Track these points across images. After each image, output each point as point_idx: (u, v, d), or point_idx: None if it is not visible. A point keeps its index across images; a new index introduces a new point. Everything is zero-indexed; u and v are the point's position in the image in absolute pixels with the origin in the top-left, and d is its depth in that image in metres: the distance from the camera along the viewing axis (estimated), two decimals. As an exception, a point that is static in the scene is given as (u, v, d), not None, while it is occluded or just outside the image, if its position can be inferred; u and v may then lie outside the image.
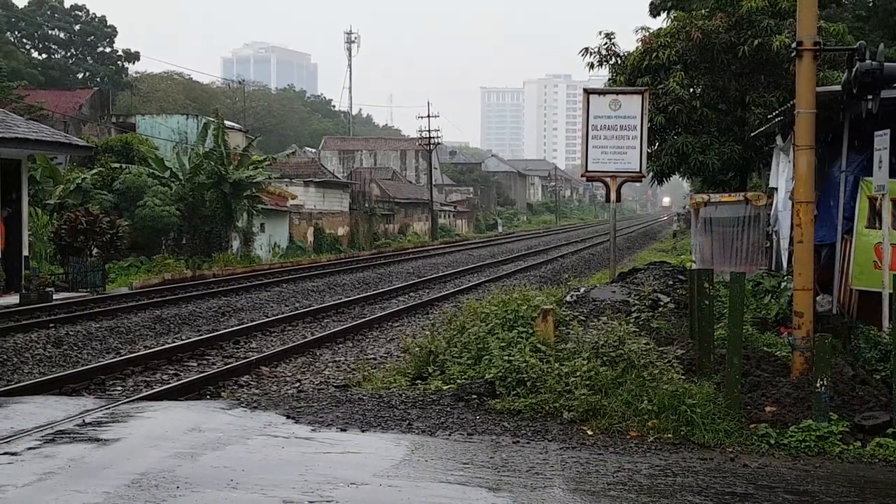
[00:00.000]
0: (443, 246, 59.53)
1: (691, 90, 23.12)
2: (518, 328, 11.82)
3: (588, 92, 18.07)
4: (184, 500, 6.85)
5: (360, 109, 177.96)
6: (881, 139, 11.27)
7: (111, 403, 10.78)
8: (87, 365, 15.19)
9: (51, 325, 18.94)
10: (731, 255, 17.94)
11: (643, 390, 9.43)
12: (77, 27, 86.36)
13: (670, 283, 16.13)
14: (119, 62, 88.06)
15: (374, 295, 26.76)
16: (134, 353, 16.51)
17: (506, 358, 10.65)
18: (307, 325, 20.86)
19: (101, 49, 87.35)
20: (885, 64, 10.15)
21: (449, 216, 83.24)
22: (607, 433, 9.04)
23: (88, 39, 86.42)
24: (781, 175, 16.22)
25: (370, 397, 10.70)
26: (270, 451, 8.32)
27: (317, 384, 13.87)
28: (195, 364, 15.86)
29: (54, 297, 22.84)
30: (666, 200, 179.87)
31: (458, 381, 10.95)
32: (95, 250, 27.92)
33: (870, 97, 10.23)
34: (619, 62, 24.19)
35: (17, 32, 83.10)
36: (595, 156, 17.66)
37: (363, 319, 21.04)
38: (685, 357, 10.43)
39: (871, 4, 31.98)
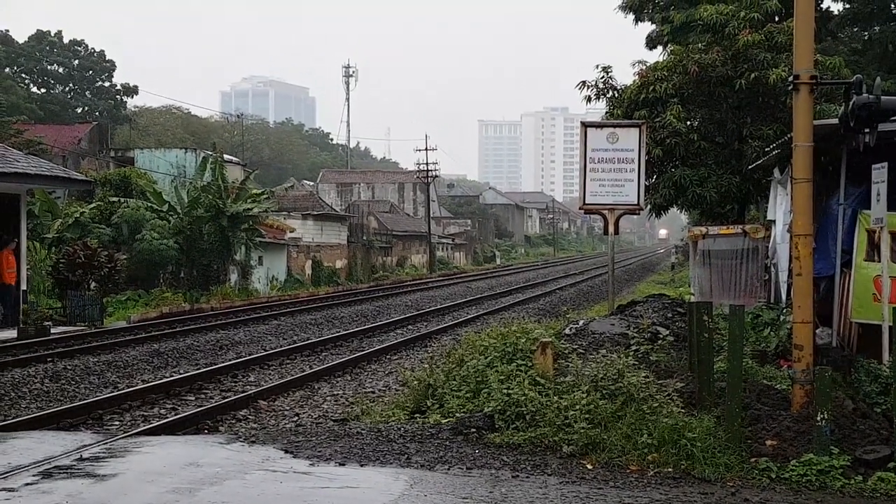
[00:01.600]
0: (441, 278, 59.52)
1: (688, 123, 23.20)
2: (517, 361, 11.79)
3: (585, 125, 18.11)
4: (181, 537, 6.80)
5: (358, 142, 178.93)
6: (879, 172, 11.30)
7: (108, 438, 10.73)
8: (84, 399, 15.13)
9: (48, 359, 18.89)
10: (729, 287, 17.92)
11: (643, 424, 9.39)
12: (76, 62, 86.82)
13: (669, 315, 16.10)
14: (118, 96, 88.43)
15: (372, 328, 26.72)
16: (132, 387, 16.45)
17: (505, 391, 10.61)
18: (305, 358, 20.81)
19: (99, 83, 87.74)
20: (882, 97, 10.18)
21: (447, 248, 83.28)
22: (607, 467, 8.99)
23: (87, 74, 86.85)
24: (779, 208, 16.24)
25: (369, 431, 10.65)
26: (268, 486, 8.27)
27: (315, 418, 13.82)
28: (193, 398, 15.80)
29: (52, 331, 22.80)
30: (663, 232, 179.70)
31: (457, 414, 10.91)
32: (93, 284, 27.90)
33: (867, 130, 10.25)
34: (617, 95, 24.29)
35: (16, 68, 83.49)
36: (593, 188, 17.68)
37: (361, 353, 20.99)
38: (685, 390, 10.40)
39: (867, 38, 32.17)
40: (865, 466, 8.57)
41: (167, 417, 13.56)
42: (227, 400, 14.96)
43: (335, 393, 16.23)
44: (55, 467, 8.98)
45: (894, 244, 11.90)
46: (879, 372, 10.74)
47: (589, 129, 17.88)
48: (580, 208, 18.78)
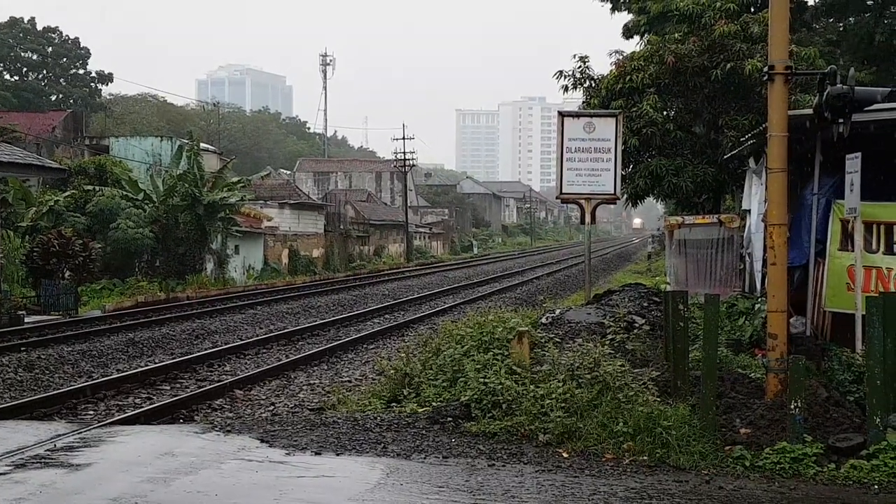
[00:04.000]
0: (418, 268, 59.50)
1: (665, 113, 23.26)
2: (493, 350, 11.80)
3: (562, 114, 18.11)
4: (156, 526, 6.78)
5: (335, 131, 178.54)
6: (852, 162, 11.37)
7: (83, 428, 10.69)
8: (58, 389, 15.07)
9: (22, 348, 18.76)
10: (705, 276, 17.99)
11: (619, 412, 9.43)
12: (50, 49, 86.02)
13: (645, 304, 16.16)
14: (92, 84, 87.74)
15: (349, 317, 26.70)
16: (106, 376, 16.39)
17: (481, 380, 10.63)
18: (281, 347, 20.77)
19: (74, 71, 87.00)
20: (856, 88, 10.23)
21: (424, 238, 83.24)
22: (583, 456, 9.03)
23: (61, 61, 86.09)
24: (754, 197, 16.30)
25: (345, 420, 10.65)
26: (244, 476, 8.25)
27: (291, 407, 13.80)
28: (168, 387, 15.76)
29: (26, 320, 22.65)
30: (637, 222, 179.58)
31: (434, 403, 10.92)
32: (68, 273, 27.73)
33: (841, 121, 10.31)
34: (594, 85, 24.31)
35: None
36: (570, 178, 17.70)
37: (338, 342, 20.98)
38: (660, 379, 10.44)
39: (842, 29, 32.33)
40: (838, 454, 8.64)
41: (142, 407, 13.52)
42: (202, 389, 14.93)
43: (311, 382, 16.21)
44: (29, 457, 8.93)
45: (867, 234, 11.98)
46: (852, 361, 10.81)
47: (566, 119, 17.89)
48: (557, 197, 18.80)
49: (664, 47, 22.63)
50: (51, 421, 12.26)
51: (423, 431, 9.98)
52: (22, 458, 8.86)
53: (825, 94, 10.28)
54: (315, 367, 17.86)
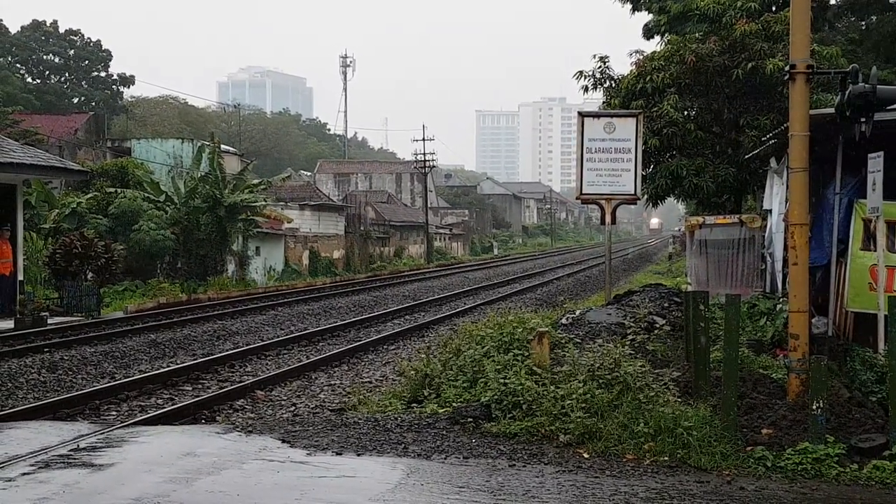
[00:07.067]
0: (438, 269, 59.52)
1: (685, 113, 23.19)
2: (513, 351, 11.79)
3: (582, 115, 18.09)
4: (178, 526, 6.81)
5: (356, 133, 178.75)
6: (875, 161, 11.31)
7: (106, 428, 10.75)
8: (81, 390, 15.15)
9: (45, 349, 18.88)
10: (726, 277, 17.93)
11: (639, 413, 9.41)
12: (72, 52, 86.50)
13: (666, 305, 16.10)
14: (114, 86, 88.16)
15: (369, 318, 26.74)
16: (129, 377, 16.46)
17: (501, 381, 10.62)
18: (302, 348, 20.83)
19: (95, 73, 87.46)
20: (878, 87, 10.19)
21: (444, 239, 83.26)
22: (603, 456, 9.01)
23: (83, 64, 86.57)
24: (775, 197, 16.24)
25: (366, 421, 10.66)
26: (266, 476, 8.28)
27: (312, 408, 13.84)
28: (190, 388, 15.82)
29: (49, 321, 22.79)
30: (654, 222, 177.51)
31: (454, 404, 10.91)
32: (90, 274, 27.89)
33: (863, 120, 10.26)
34: (614, 85, 24.27)
35: (10, 58, 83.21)
36: (590, 178, 17.69)
37: (358, 343, 21.02)
38: (681, 379, 10.41)
39: (864, 28, 32.16)
40: (861, 455, 8.59)
41: (164, 407, 13.58)
42: (224, 390, 14.98)
43: (332, 383, 16.25)
44: (52, 457, 8.99)
45: (890, 233, 11.92)
46: (875, 361, 10.76)
47: (586, 119, 17.87)
48: (577, 198, 18.79)
49: (685, 47, 22.56)
50: (74, 421, 12.34)
51: (444, 432, 9.98)
52: (45, 458, 8.92)
53: (847, 92, 10.25)
54: (336, 368, 17.90)
